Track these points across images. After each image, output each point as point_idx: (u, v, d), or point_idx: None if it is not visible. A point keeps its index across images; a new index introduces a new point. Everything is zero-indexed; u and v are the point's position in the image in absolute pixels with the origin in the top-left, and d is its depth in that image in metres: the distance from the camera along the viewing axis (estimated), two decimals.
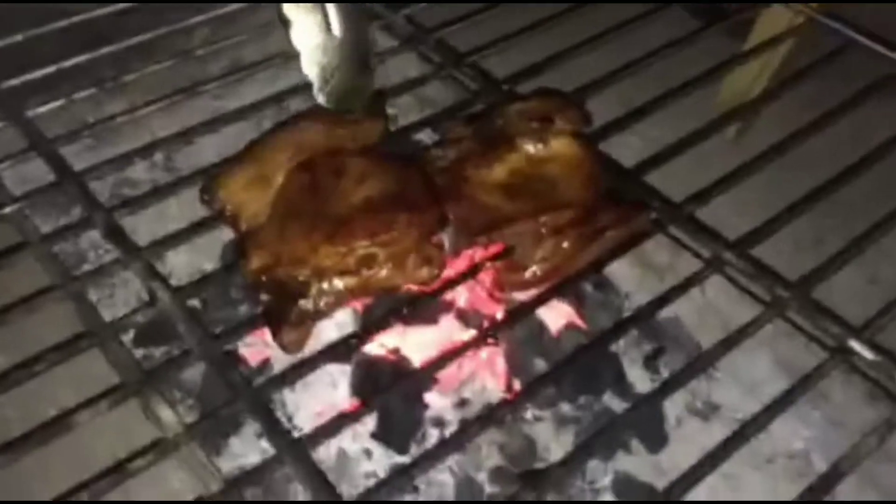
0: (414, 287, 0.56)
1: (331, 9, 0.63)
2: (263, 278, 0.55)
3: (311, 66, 0.63)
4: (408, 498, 0.67)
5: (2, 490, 0.62)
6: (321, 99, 0.63)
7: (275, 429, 0.49)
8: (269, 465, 0.48)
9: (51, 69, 0.72)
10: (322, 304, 0.54)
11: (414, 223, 0.57)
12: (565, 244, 0.58)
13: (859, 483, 0.67)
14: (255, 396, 0.52)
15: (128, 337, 0.76)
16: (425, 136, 0.76)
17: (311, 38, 0.63)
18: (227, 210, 0.60)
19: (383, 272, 0.56)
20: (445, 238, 0.60)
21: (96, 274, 0.61)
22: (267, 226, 0.58)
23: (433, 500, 0.67)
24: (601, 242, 0.59)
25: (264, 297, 0.55)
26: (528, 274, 0.59)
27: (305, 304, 0.54)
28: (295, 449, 0.48)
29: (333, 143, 0.63)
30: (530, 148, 0.62)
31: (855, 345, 0.58)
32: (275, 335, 0.53)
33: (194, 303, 0.78)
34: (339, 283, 0.55)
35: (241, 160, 0.62)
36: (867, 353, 0.57)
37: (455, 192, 0.60)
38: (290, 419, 0.73)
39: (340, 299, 0.55)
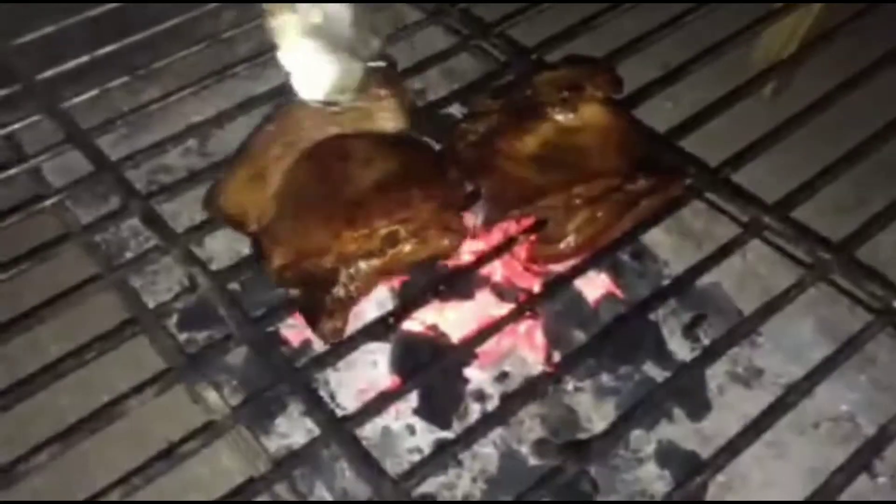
0: (441, 258, 0.57)
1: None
2: (289, 274, 0.55)
3: (289, 58, 0.62)
4: (452, 472, 0.67)
5: (62, 476, 0.64)
6: (304, 93, 0.62)
7: (318, 408, 0.50)
8: (315, 445, 0.49)
9: (83, 59, 0.73)
10: (353, 288, 0.54)
11: (428, 197, 0.57)
12: (599, 214, 0.58)
13: None
14: (298, 377, 0.53)
15: (172, 322, 0.77)
16: (455, 110, 0.75)
17: (290, 28, 0.63)
18: (230, 215, 0.61)
19: (407, 248, 0.56)
20: (478, 212, 0.60)
21: (137, 262, 0.63)
22: (280, 221, 0.58)
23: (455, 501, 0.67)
24: (636, 212, 0.59)
25: (294, 291, 0.55)
26: (562, 245, 0.58)
27: (337, 291, 0.54)
28: (339, 428, 0.49)
29: (323, 131, 0.63)
30: (560, 118, 0.61)
31: None
32: (313, 327, 0.54)
33: (235, 286, 0.79)
34: (366, 266, 0.55)
35: (234, 162, 0.62)
36: None
37: (486, 166, 0.59)
38: (333, 398, 0.74)
39: (370, 282, 0.55)
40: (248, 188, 0.62)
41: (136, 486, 0.49)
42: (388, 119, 0.65)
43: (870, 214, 0.62)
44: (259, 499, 0.48)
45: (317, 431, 0.50)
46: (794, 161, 0.67)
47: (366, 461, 0.47)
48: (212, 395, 0.58)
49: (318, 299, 0.54)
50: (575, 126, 0.61)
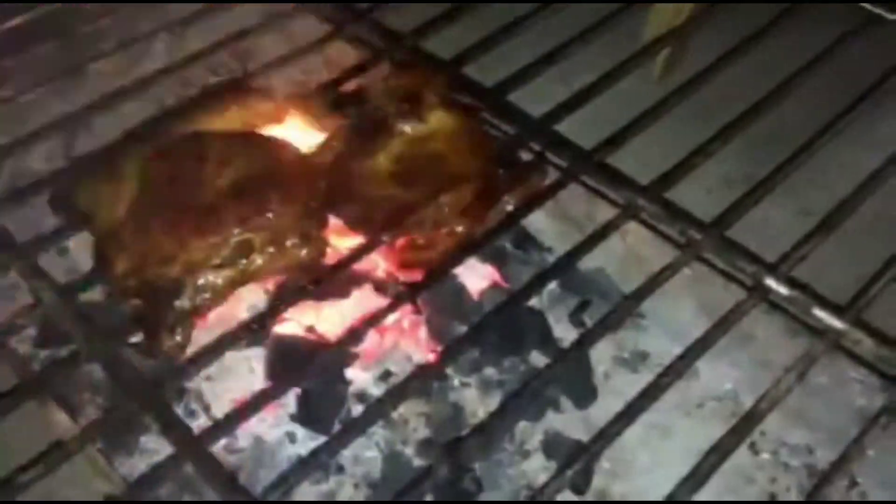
0: (300, 269, 0.53)
1: None
2: (131, 282, 0.51)
3: None
4: (333, 479, 0.64)
5: None
6: None
7: (173, 425, 0.47)
8: (169, 464, 0.46)
9: None
10: (199, 301, 0.51)
11: (288, 200, 0.53)
12: (465, 217, 0.56)
13: (785, 419, 0.67)
14: (152, 393, 0.49)
15: (24, 340, 0.71)
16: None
17: None
18: (81, 215, 0.56)
19: (261, 259, 0.52)
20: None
21: None
22: (127, 225, 0.54)
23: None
24: (500, 206, 0.58)
25: (134, 302, 0.51)
26: (431, 252, 0.57)
27: (181, 303, 0.50)
28: (195, 444, 0.45)
29: (190, 126, 0.59)
30: (408, 129, 0.59)
31: (771, 282, 0.57)
32: (151, 343, 0.50)
33: (95, 297, 0.74)
34: (215, 278, 0.51)
35: (96, 157, 0.58)
36: (782, 289, 0.57)
37: (344, 193, 0.57)
38: (207, 410, 0.70)
39: (220, 294, 0.52)
40: (102, 187, 0.57)
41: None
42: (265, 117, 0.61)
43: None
44: None
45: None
46: (679, 140, 0.67)
47: (221, 477, 0.44)
48: (60, 417, 0.54)
49: (159, 312, 0.50)
50: (424, 135, 0.59)
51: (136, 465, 0.65)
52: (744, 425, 0.49)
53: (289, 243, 0.52)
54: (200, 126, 0.59)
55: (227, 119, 0.60)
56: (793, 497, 0.66)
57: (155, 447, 0.65)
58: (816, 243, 0.59)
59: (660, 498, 0.46)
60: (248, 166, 0.55)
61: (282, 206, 0.53)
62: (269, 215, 0.52)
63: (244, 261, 0.52)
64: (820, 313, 0.55)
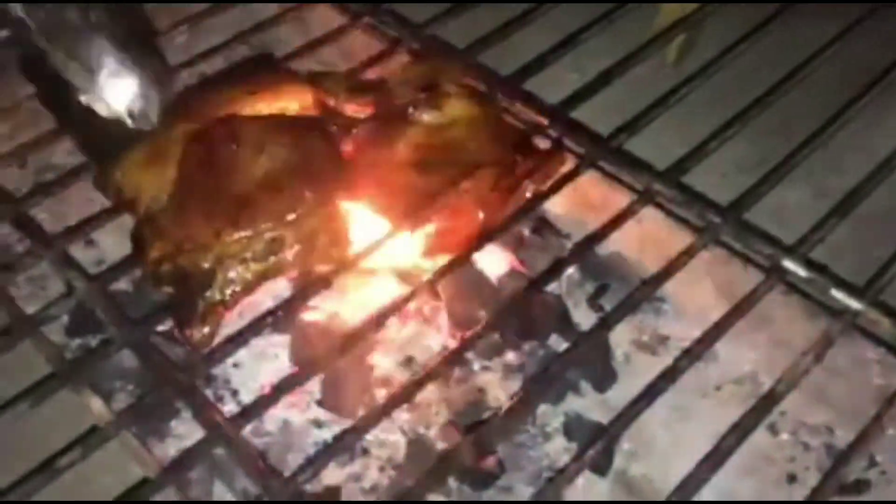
0: (328, 267, 0.55)
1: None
2: (165, 269, 0.53)
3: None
4: (359, 461, 0.66)
5: None
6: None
7: (203, 410, 0.48)
8: (202, 447, 0.47)
9: None
10: (229, 294, 0.52)
11: (320, 199, 0.54)
12: (485, 204, 0.57)
13: (804, 399, 0.67)
14: (182, 379, 0.50)
15: (57, 329, 0.73)
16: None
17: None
18: (124, 194, 0.57)
19: (291, 256, 0.54)
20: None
21: (12, 269, 0.59)
22: (165, 210, 0.55)
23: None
24: (520, 193, 0.59)
25: (168, 289, 0.53)
26: (454, 238, 0.58)
27: (212, 294, 0.52)
28: (225, 428, 0.47)
29: (228, 108, 0.60)
30: (426, 118, 0.60)
31: (788, 263, 0.58)
32: (182, 332, 0.51)
33: (124, 286, 0.75)
34: (245, 271, 0.52)
35: (139, 137, 0.59)
36: (800, 271, 0.57)
37: (366, 181, 0.58)
38: (235, 395, 0.71)
39: (249, 287, 0.53)
40: (148, 167, 0.58)
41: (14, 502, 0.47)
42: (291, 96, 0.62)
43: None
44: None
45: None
46: (694, 125, 0.67)
47: (252, 459, 0.45)
48: (95, 403, 0.55)
49: (191, 302, 0.51)
50: (443, 123, 0.60)
51: (168, 449, 0.66)
52: (763, 406, 0.50)
53: (319, 242, 0.54)
54: (233, 101, 0.60)
55: (259, 97, 0.61)
56: (812, 476, 0.67)
57: (186, 432, 0.67)
58: (833, 225, 0.59)
59: (679, 477, 0.47)
60: (282, 156, 0.56)
61: (314, 206, 0.54)
62: (301, 212, 0.53)
63: (274, 258, 0.53)
64: (838, 294, 0.56)
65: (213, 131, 0.58)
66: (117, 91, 0.57)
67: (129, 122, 0.58)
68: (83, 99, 0.58)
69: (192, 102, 0.61)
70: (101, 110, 0.58)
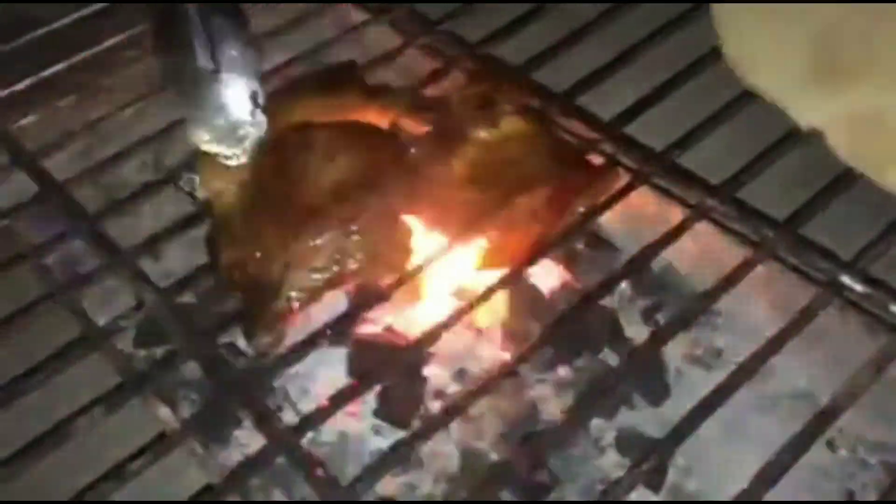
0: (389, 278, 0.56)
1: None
2: (237, 275, 0.55)
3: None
4: (413, 472, 0.67)
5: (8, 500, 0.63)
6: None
7: (265, 419, 0.50)
8: (263, 455, 0.49)
9: (28, 81, 0.73)
10: (294, 302, 0.54)
11: (384, 211, 0.56)
12: (539, 219, 0.58)
13: (867, 416, 0.66)
14: (245, 389, 0.52)
15: (126, 340, 0.76)
16: None
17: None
18: (204, 198, 0.59)
19: (355, 265, 0.55)
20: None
21: (86, 282, 0.62)
22: (239, 215, 0.57)
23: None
24: (571, 210, 0.59)
25: (238, 296, 0.55)
26: (507, 254, 0.59)
27: (279, 303, 0.53)
28: (285, 437, 0.48)
29: (306, 115, 0.61)
30: (483, 134, 0.62)
31: (846, 279, 0.57)
32: (249, 339, 0.53)
33: (189, 299, 0.78)
34: (310, 281, 0.54)
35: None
36: (858, 286, 0.57)
37: (422, 196, 0.59)
38: (294, 406, 0.73)
39: (313, 296, 0.55)
40: (228, 171, 0.59)
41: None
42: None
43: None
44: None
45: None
46: (748, 139, 0.67)
47: (311, 468, 0.47)
48: (163, 411, 0.57)
49: (258, 309, 0.53)
50: (499, 140, 0.62)
51: (230, 457, 0.68)
52: (820, 422, 0.50)
53: (381, 252, 0.55)
54: (308, 109, 0.61)
55: (326, 105, 0.63)
56: (870, 494, 0.66)
57: (247, 441, 0.69)
58: (892, 240, 0.58)
59: (734, 494, 0.47)
60: (351, 165, 0.57)
61: (378, 216, 0.55)
62: (365, 221, 0.55)
63: (337, 267, 0.54)
64: None
65: (288, 137, 0.60)
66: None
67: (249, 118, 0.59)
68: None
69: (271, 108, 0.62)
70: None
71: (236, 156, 0.58)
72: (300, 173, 0.57)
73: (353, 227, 0.55)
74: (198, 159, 0.61)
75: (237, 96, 0.58)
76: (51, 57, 0.74)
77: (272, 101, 0.62)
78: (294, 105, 0.63)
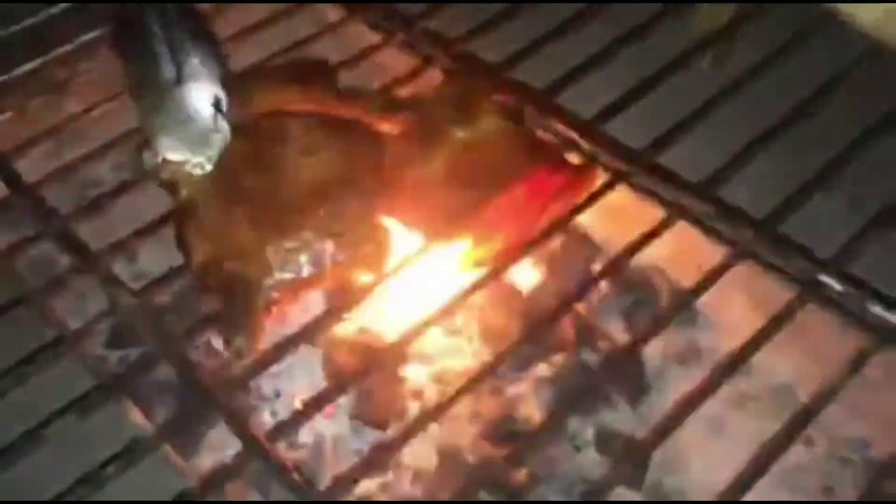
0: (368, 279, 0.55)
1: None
2: (211, 275, 0.53)
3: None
4: (391, 472, 0.66)
5: None
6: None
7: (239, 424, 0.49)
8: (238, 461, 0.48)
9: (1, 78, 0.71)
10: (272, 304, 0.53)
11: (364, 211, 0.55)
12: (518, 220, 0.58)
13: (841, 413, 0.67)
14: (219, 393, 0.51)
15: (99, 343, 0.75)
16: None
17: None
18: (163, 174, 0.58)
19: (336, 267, 0.54)
20: None
21: (57, 284, 0.61)
22: (210, 209, 0.55)
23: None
24: (552, 208, 0.59)
25: (213, 297, 0.53)
26: (485, 254, 0.58)
27: (257, 305, 0.52)
28: (261, 441, 0.48)
29: (279, 104, 0.60)
30: (461, 134, 0.61)
31: (824, 277, 0.57)
32: (226, 343, 0.52)
33: (164, 300, 0.77)
34: (288, 281, 0.53)
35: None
36: (836, 285, 0.57)
37: (401, 196, 0.58)
38: (270, 408, 0.72)
39: (291, 297, 0.54)
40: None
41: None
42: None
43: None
44: None
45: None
46: (727, 138, 0.67)
47: (287, 472, 0.46)
48: (137, 415, 0.56)
49: (235, 311, 0.52)
50: (477, 139, 0.61)
51: (204, 462, 0.67)
52: (799, 419, 0.50)
53: (361, 253, 0.54)
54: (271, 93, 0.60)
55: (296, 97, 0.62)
56: (849, 491, 0.66)
57: (223, 444, 0.68)
58: (870, 239, 0.59)
59: (715, 491, 0.47)
60: (330, 162, 0.56)
61: (358, 217, 0.54)
62: (346, 223, 0.54)
63: (317, 269, 0.54)
64: (874, 308, 0.56)
65: (260, 127, 0.58)
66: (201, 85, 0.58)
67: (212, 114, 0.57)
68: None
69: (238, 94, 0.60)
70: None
71: (201, 164, 0.57)
72: (277, 167, 0.56)
73: (332, 228, 0.54)
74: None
75: (200, 105, 0.57)
76: (20, 56, 0.72)
77: (238, 83, 0.61)
78: (262, 90, 0.61)
